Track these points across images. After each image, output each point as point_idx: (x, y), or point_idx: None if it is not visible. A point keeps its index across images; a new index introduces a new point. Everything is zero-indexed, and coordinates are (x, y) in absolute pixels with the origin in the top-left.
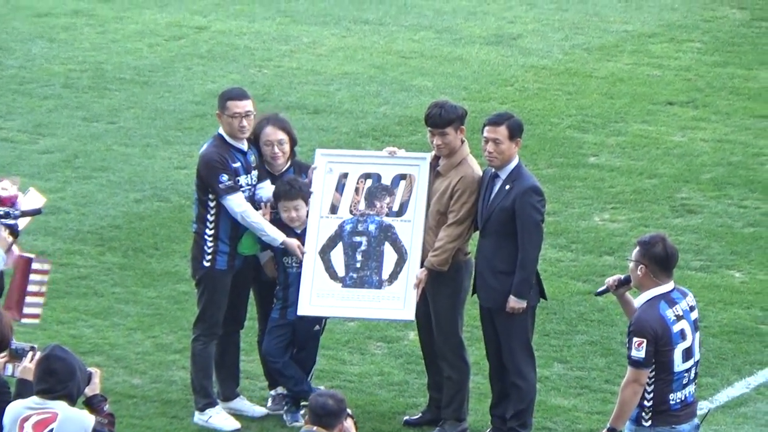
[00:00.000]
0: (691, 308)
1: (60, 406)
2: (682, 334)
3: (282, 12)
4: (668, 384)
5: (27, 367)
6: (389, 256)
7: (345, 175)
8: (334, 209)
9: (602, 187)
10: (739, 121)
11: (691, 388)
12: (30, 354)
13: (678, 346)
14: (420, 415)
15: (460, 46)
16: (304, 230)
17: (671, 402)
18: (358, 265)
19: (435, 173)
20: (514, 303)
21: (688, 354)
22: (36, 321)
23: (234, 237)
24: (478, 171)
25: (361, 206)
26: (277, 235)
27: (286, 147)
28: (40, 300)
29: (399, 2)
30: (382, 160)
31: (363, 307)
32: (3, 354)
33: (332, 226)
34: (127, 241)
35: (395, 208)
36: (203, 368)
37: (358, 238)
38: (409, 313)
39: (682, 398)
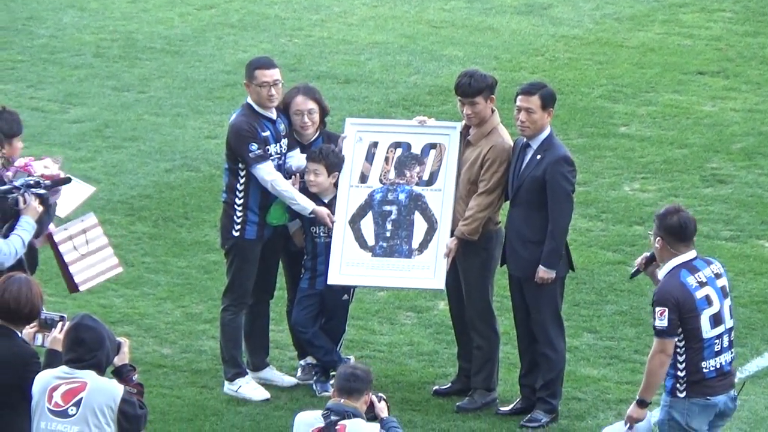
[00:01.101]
0: (717, 275)
1: (89, 376)
2: (707, 300)
3: None
4: (699, 352)
5: (56, 337)
6: (419, 225)
7: (375, 144)
8: (363, 178)
9: (632, 156)
10: None
11: (727, 356)
12: (60, 324)
13: (704, 312)
14: (449, 384)
15: (491, 15)
16: (333, 199)
17: (705, 370)
18: (388, 234)
19: (465, 143)
20: (544, 273)
21: (716, 320)
22: (116, 271)
23: (263, 207)
24: (509, 140)
25: (391, 175)
26: (307, 204)
27: (316, 116)
28: (94, 259)
29: None
30: (412, 129)
31: (393, 277)
32: (33, 324)
33: (362, 195)
34: (158, 211)
35: (425, 177)
36: (233, 338)
37: (388, 207)
38: (439, 282)
39: (717, 366)
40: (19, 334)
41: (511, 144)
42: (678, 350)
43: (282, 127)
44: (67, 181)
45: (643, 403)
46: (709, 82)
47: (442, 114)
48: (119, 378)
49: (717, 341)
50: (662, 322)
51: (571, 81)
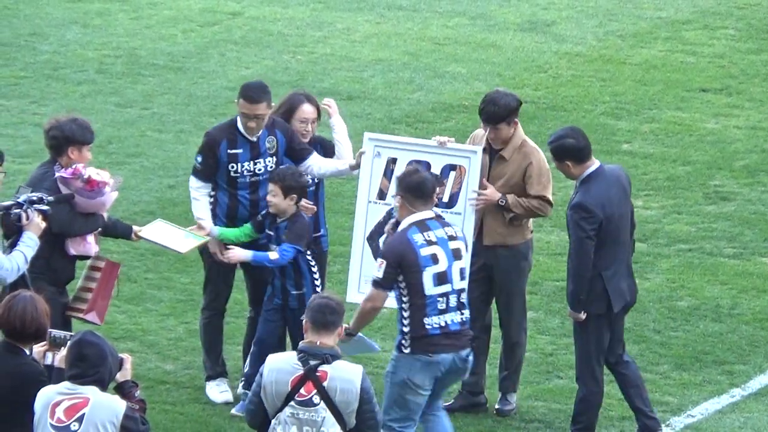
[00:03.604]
0: (451, 237)
1: (91, 392)
2: (433, 258)
3: None
4: (422, 308)
5: (64, 355)
6: None
7: (393, 161)
8: (382, 195)
9: (635, 173)
10: None
11: (454, 316)
12: (69, 343)
13: (427, 270)
14: (452, 401)
15: (494, 32)
16: (293, 217)
17: (428, 327)
18: None
19: (498, 158)
20: (569, 312)
21: (441, 279)
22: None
23: (230, 217)
24: (541, 153)
25: None
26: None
27: (315, 126)
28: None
29: None
30: (432, 149)
31: None
32: (44, 343)
33: (381, 212)
34: None
35: (445, 199)
36: (204, 341)
37: None
38: None
39: (441, 324)
40: (27, 352)
41: (543, 156)
42: (403, 306)
43: (268, 145)
44: (71, 197)
45: (348, 332)
46: (712, 99)
47: (446, 131)
48: (121, 394)
49: (441, 299)
50: (378, 273)
51: (574, 98)
